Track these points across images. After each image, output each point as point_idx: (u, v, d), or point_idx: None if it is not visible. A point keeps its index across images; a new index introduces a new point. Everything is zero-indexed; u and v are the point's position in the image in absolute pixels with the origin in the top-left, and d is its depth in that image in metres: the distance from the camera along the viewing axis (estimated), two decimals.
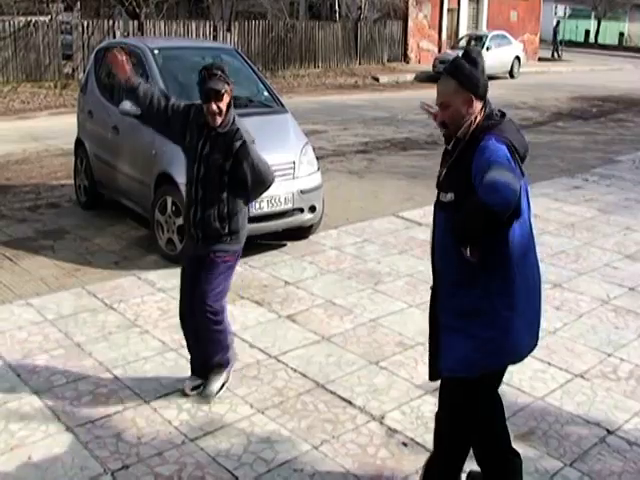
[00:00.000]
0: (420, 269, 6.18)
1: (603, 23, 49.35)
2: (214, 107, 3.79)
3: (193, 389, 4.11)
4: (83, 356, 4.51)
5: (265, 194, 6.12)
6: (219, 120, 3.84)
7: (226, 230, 3.94)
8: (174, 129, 4.03)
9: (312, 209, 6.64)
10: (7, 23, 18.33)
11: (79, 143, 7.95)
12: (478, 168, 2.67)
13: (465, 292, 2.86)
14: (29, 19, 18.77)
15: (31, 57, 18.36)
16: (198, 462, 3.52)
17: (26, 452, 3.55)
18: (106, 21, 20.16)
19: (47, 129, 12.85)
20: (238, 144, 3.84)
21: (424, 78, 23.43)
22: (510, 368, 4.45)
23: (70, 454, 3.54)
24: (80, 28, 19.27)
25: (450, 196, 2.85)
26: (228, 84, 3.84)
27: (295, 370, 4.43)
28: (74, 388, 4.14)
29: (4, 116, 14.77)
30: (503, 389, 4.23)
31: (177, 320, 4.23)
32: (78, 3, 20.70)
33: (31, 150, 10.95)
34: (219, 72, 3.83)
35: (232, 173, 3.88)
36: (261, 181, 3.97)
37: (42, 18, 19.45)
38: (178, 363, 4.41)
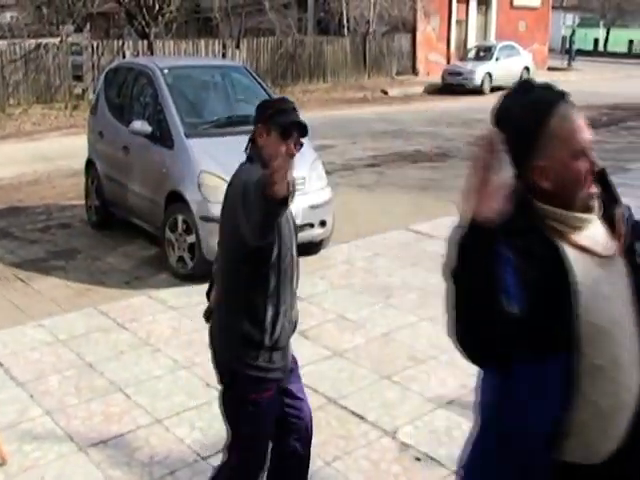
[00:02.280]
0: (431, 282, 6.15)
1: (612, 31, 49.29)
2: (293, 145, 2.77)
3: None
4: (95, 376, 4.52)
5: None
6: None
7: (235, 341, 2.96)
8: None
9: (322, 224, 6.64)
10: (18, 46, 18.56)
11: (90, 163, 8.01)
12: None
13: None
14: (39, 41, 19.00)
15: (42, 79, 18.56)
16: None
17: (39, 473, 3.56)
18: (116, 41, 20.38)
19: (58, 150, 12.96)
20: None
21: (433, 90, 23.48)
22: None
23: (83, 474, 3.55)
24: (90, 49, 19.47)
25: None
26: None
27: (307, 386, 4.40)
28: (86, 408, 4.15)
29: (15, 138, 14.91)
30: None
31: (188, 337, 4.23)
32: (88, 24, 20.96)
33: (42, 171, 11.04)
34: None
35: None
36: None
37: (52, 40, 19.70)
38: (190, 381, 4.41)
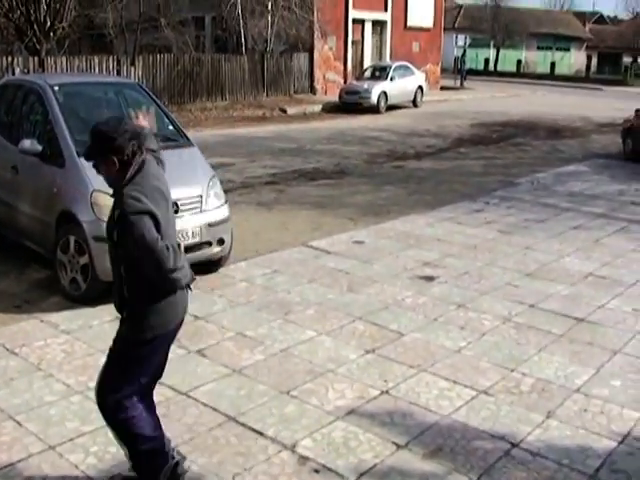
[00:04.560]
0: (329, 297, 6.27)
1: (502, 51, 51.68)
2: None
3: None
4: None
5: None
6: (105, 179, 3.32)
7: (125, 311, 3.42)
8: None
9: (220, 242, 6.64)
10: None
11: None
12: None
13: None
14: None
15: None
16: None
17: None
18: (4, 58, 19.64)
19: None
20: (117, 214, 3.16)
21: (331, 109, 23.86)
22: (416, 388, 4.61)
23: None
24: None
25: None
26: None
27: (206, 405, 4.40)
28: None
29: None
30: (410, 408, 4.35)
31: (82, 361, 4.13)
32: None
33: None
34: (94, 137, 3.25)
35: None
36: (151, 262, 3.17)
37: None
38: (84, 406, 4.30)
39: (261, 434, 4.08)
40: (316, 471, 3.75)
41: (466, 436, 4.12)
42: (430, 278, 6.84)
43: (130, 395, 3.34)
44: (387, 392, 4.61)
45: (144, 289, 3.23)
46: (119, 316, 3.35)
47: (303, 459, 3.85)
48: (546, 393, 4.65)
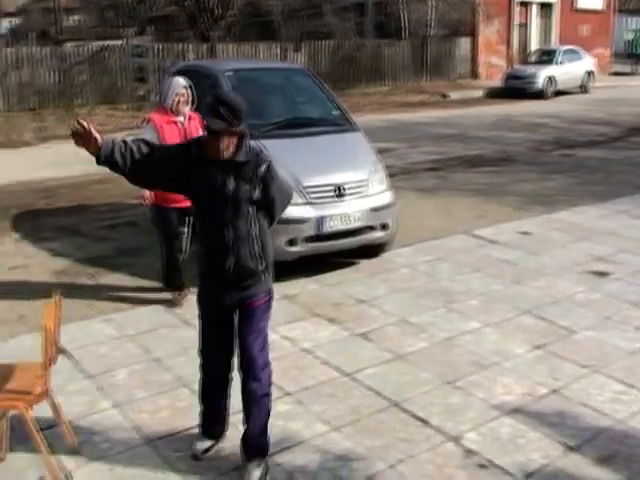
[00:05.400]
0: (494, 288, 6.10)
1: None
2: (215, 144, 3.33)
3: (205, 452, 3.76)
4: (162, 371, 4.62)
5: (337, 212, 6.25)
6: (226, 154, 3.35)
7: (263, 268, 3.53)
8: (171, 178, 3.48)
9: (384, 227, 6.63)
10: (83, 48, 19.08)
11: None
12: None
13: None
14: (103, 44, 19.48)
15: (106, 80, 19.02)
16: (275, 478, 3.54)
17: (109, 464, 3.65)
18: (178, 44, 20.72)
19: None
20: (264, 168, 3.44)
21: (494, 94, 23.19)
22: (588, 389, 4.37)
23: (151, 467, 3.62)
24: (153, 51, 19.87)
25: None
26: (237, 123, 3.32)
27: (370, 388, 4.42)
28: (154, 402, 4.24)
29: None
30: (582, 410, 4.14)
31: None
32: (150, 27, 21.38)
33: (110, 171, 11.26)
34: (222, 109, 3.28)
35: (261, 201, 3.48)
36: (287, 200, 3.70)
37: (116, 42, 20.18)
38: None
39: (425, 422, 4.04)
40: (482, 466, 3.66)
41: None
42: (603, 274, 6.47)
43: None
44: (557, 391, 4.41)
45: (269, 241, 3.56)
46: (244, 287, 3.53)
47: (469, 452, 3.77)
48: None
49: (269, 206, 3.53)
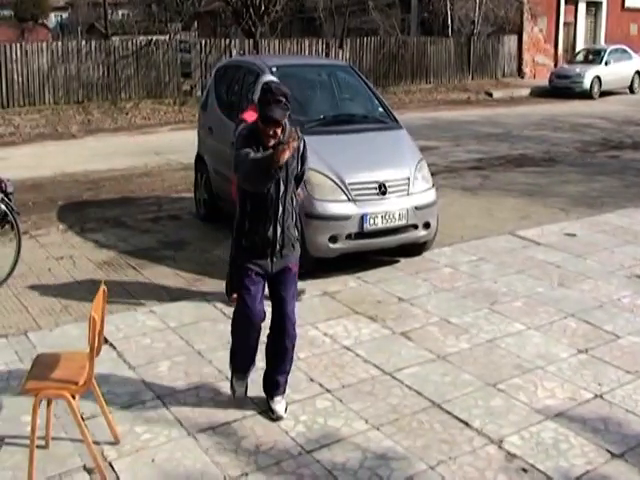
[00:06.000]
0: (538, 290, 6.01)
1: None
2: (271, 132, 3.74)
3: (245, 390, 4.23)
4: (204, 364, 4.65)
5: (380, 209, 6.21)
6: (273, 141, 3.76)
7: (298, 237, 4.06)
8: None
9: (426, 225, 6.57)
10: (130, 42, 19.32)
11: (199, 158, 8.23)
12: None
13: None
14: (149, 38, 19.69)
15: (151, 74, 19.22)
16: (314, 474, 3.54)
17: (150, 454, 3.69)
18: (223, 40, 20.85)
19: (167, 144, 13.40)
20: (302, 145, 3.94)
21: (540, 93, 22.87)
22: (633, 395, 4.28)
23: (191, 459, 3.65)
24: (198, 47, 20.02)
25: None
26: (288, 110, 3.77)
27: (410, 388, 4.39)
28: (195, 394, 4.27)
29: (127, 131, 15.54)
30: (627, 417, 4.06)
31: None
32: (195, 23, 21.55)
33: (153, 164, 11.45)
34: (284, 99, 3.71)
35: (298, 174, 4.01)
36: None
37: (161, 37, 20.38)
38: (295, 375, 4.44)
39: (466, 424, 4.00)
40: (524, 470, 3.61)
41: None
42: None
43: None
44: (601, 396, 4.33)
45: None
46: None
47: (510, 456, 3.72)
48: None
49: (301, 179, 4.08)
